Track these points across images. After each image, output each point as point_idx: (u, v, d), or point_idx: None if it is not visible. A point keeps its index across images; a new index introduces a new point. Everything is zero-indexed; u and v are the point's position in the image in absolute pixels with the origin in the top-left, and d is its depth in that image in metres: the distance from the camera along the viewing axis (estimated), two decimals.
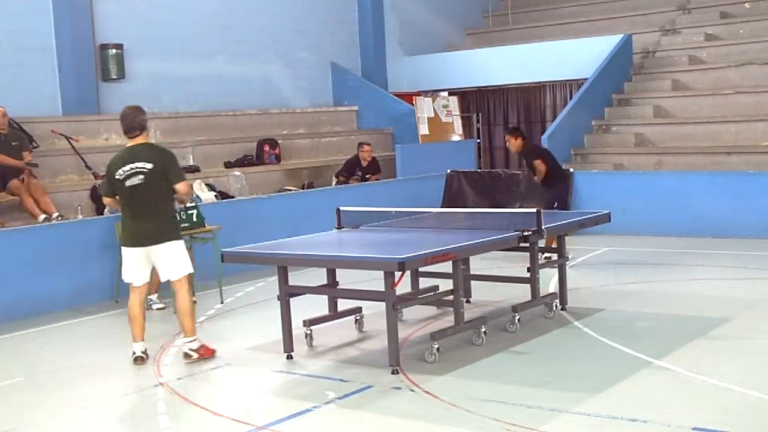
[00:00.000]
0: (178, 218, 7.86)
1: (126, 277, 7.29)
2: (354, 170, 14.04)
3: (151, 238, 7.04)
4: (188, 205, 9.17)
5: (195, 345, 7.24)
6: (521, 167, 11.76)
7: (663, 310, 8.35)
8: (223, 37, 14.78)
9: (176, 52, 14.07)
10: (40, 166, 10.87)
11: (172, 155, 7.21)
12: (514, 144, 11.09)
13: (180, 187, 7.08)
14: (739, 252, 11.14)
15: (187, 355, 7.22)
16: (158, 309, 9.38)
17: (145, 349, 7.29)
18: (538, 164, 10.91)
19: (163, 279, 7.31)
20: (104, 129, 12.83)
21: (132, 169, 6.96)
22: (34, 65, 12.36)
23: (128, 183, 6.98)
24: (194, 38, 14.34)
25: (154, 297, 9.46)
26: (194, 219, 9.55)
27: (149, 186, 6.97)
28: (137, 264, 7.16)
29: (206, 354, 7.25)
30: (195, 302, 9.48)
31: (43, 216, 10.18)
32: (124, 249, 7.27)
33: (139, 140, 7.09)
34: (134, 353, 7.25)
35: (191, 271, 7.32)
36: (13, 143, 10.56)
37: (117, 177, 7.02)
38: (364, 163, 14.06)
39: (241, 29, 15.07)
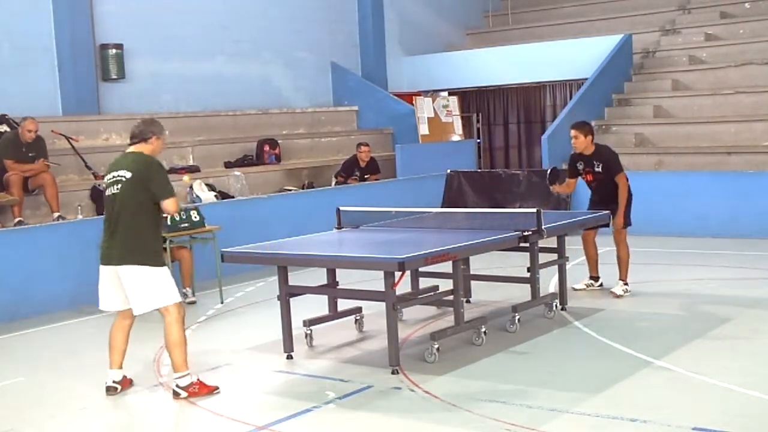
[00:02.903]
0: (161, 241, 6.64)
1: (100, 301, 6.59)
2: (352, 170, 14.03)
3: (116, 258, 6.29)
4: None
5: (185, 381, 6.33)
6: (591, 172, 8.91)
7: (663, 310, 8.36)
8: (223, 37, 14.78)
9: (176, 52, 14.06)
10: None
11: (160, 166, 6.40)
12: (582, 142, 8.93)
13: (165, 205, 6.25)
14: (739, 252, 11.14)
15: (174, 393, 6.35)
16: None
17: (122, 378, 6.60)
18: (623, 180, 8.90)
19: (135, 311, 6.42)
20: (104, 129, 12.85)
21: (113, 177, 6.33)
22: (34, 65, 12.36)
23: (107, 192, 6.38)
24: (194, 38, 14.33)
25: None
26: (194, 219, 9.56)
27: (125, 197, 6.23)
28: (109, 285, 6.46)
29: (201, 392, 6.34)
30: (195, 302, 9.56)
31: (56, 214, 10.32)
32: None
33: (134, 149, 6.42)
34: (106, 382, 6.58)
35: (166, 303, 6.29)
36: (30, 154, 10.57)
37: (104, 186, 6.51)
38: (363, 164, 14.06)
39: (241, 29, 15.07)
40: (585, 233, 9.17)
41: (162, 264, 6.40)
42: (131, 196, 6.23)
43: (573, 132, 8.97)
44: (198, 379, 6.43)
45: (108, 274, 6.42)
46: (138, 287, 6.28)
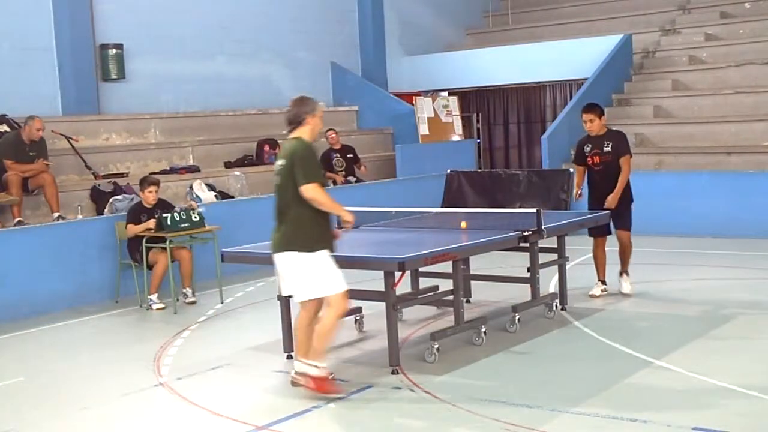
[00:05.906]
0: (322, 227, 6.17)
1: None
2: (332, 160, 13.89)
3: (277, 245, 6.13)
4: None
5: (314, 371, 6.10)
6: (600, 158, 8.82)
7: (663, 310, 8.36)
8: (223, 37, 14.78)
9: (176, 52, 14.06)
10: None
11: (306, 150, 6.08)
12: (597, 124, 8.82)
13: (303, 190, 5.93)
14: (739, 252, 11.14)
15: (293, 381, 6.23)
16: (158, 309, 9.37)
17: (304, 372, 6.25)
18: (628, 163, 8.86)
19: (295, 298, 6.31)
20: (104, 129, 12.85)
21: (277, 167, 6.18)
22: (34, 65, 12.35)
23: (274, 182, 6.24)
24: (194, 38, 14.33)
25: (154, 297, 9.46)
26: (194, 219, 9.56)
27: (282, 186, 6.09)
28: (279, 273, 6.31)
29: (320, 389, 6.08)
30: (195, 302, 9.56)
31: (56, 214, 10.32)
32: None
33: (292, 135, 6.24)
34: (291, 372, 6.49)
35: (331, 292, 6.05)
36: (31, 153, 10.57)
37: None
38: (338, 147, 13.96)
39: (241, 29, 15.06)
40: (597, 241, 8.99)
41: (324, 248, 6.08)
42: (286, 185, 6.06)
43: (588, 116, 8.80)
44: (326, 376, 6.15)
45: (277, 261, 6.24)
46: (297, 274, 6.12)
